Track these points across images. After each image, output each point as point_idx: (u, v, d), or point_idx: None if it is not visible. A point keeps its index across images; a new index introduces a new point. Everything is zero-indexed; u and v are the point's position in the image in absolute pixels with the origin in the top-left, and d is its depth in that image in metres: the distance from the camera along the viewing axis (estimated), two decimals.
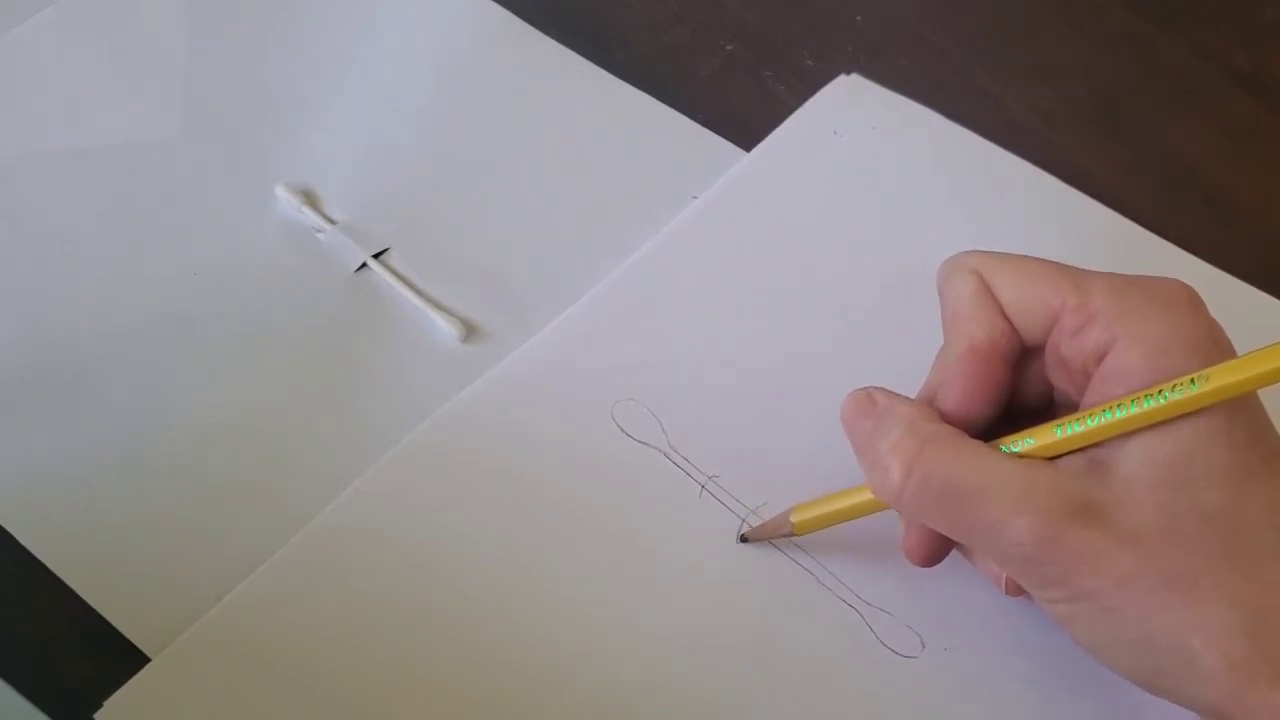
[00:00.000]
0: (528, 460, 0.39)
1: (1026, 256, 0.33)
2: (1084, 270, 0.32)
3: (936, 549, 0.34)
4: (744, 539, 0.37)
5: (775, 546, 0.38)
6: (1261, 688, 0.27)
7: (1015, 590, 0.33)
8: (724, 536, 0.38)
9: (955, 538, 0.32)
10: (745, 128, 0.47)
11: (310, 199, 0.45)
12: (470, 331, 0.42)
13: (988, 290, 0.32)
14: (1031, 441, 0.31)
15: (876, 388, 0.33)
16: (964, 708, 0.35)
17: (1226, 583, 0.28)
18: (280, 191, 0.45)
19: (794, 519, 0.36)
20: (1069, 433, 0.30)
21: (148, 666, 0.35)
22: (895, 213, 0.44)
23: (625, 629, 0.36)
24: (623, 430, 0.39)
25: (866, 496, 0.34)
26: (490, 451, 0.39)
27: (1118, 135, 0.48)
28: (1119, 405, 0.29)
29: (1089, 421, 0.30)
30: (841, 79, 0.48)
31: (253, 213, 0.45)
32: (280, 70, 0.49)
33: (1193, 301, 0.30)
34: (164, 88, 0.48)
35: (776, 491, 0.38)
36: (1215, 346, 0.30)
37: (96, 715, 0.34)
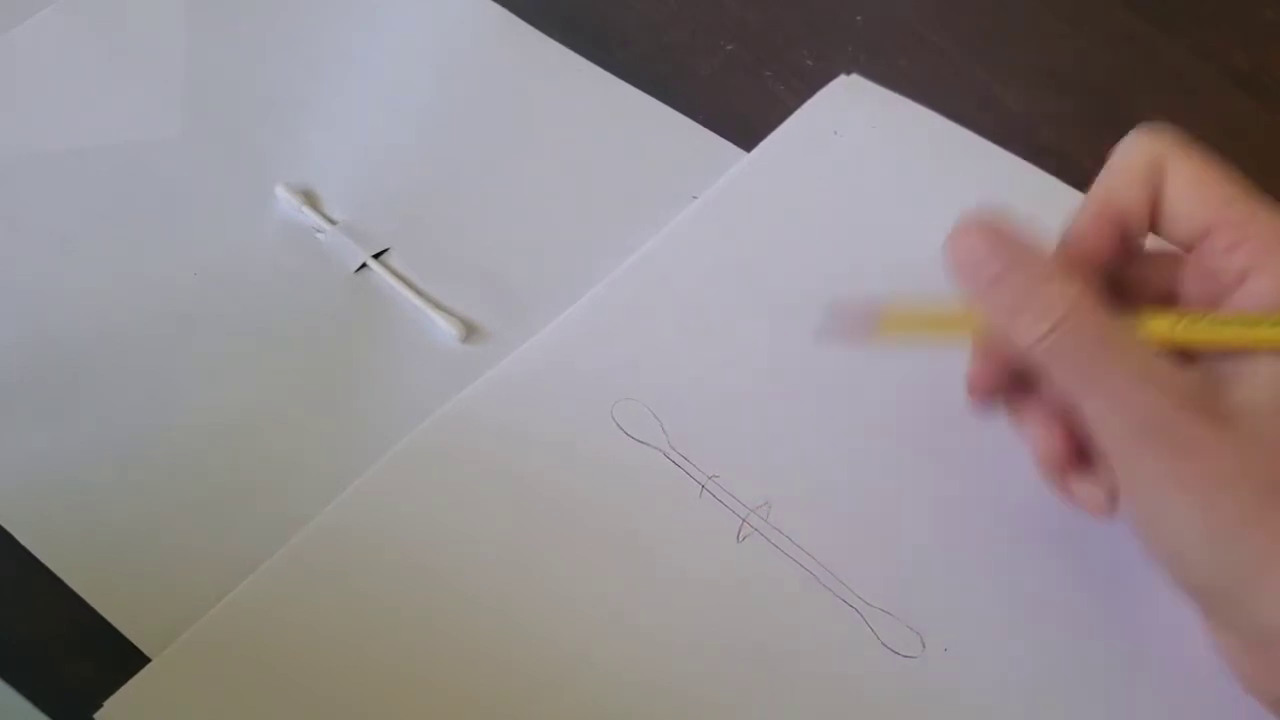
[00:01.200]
0: (527, 460, 0.39)
1: (1210, 160, 0.32)
2: (1255, 197, 0.32)
3: (998, 388, 0.34)
4: (826, 328, 0.35)
5: (775, 546, 0.38)
6: None
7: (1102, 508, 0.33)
8: (724, 536, 0.38)
9: (1070, 396, 0.31)
10: (745, 128, 0.47)
11: (310, 199, 0.45)
12: (470, 331, 0.42)
13: (1156, 173, 0.32)
14: (1172, 323, 0.31)
15: (1002, 223, 0.32)
16: (964, 707, 0.35)
17: None
18: (280, 191, 0.45)
19: (884, 315, 0.34)
20: (1218, 328, 0.31)
21: (148, 667, 0.35)
22: (895, 213, 0.44)
23: (625, 629, 0.36)
24: (623, 430, 0.39)
25: (966, 321, 0.33)
26: (490, 451, 0.39)
27: (1118, 135, 0.48)
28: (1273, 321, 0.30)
29: (1235, 326, 0.30)
30: (841, 79, 0.48)
31: (253, 213, 0.45)
32: (280, 70, 0.49)
33: None
34: (164, 88, 0.48)
35: (776, 491, 0.38)
36: None
37: (96, 715, 0.34)
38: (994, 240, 0.31)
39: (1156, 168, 0.32)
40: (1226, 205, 0.32)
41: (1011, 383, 0.34)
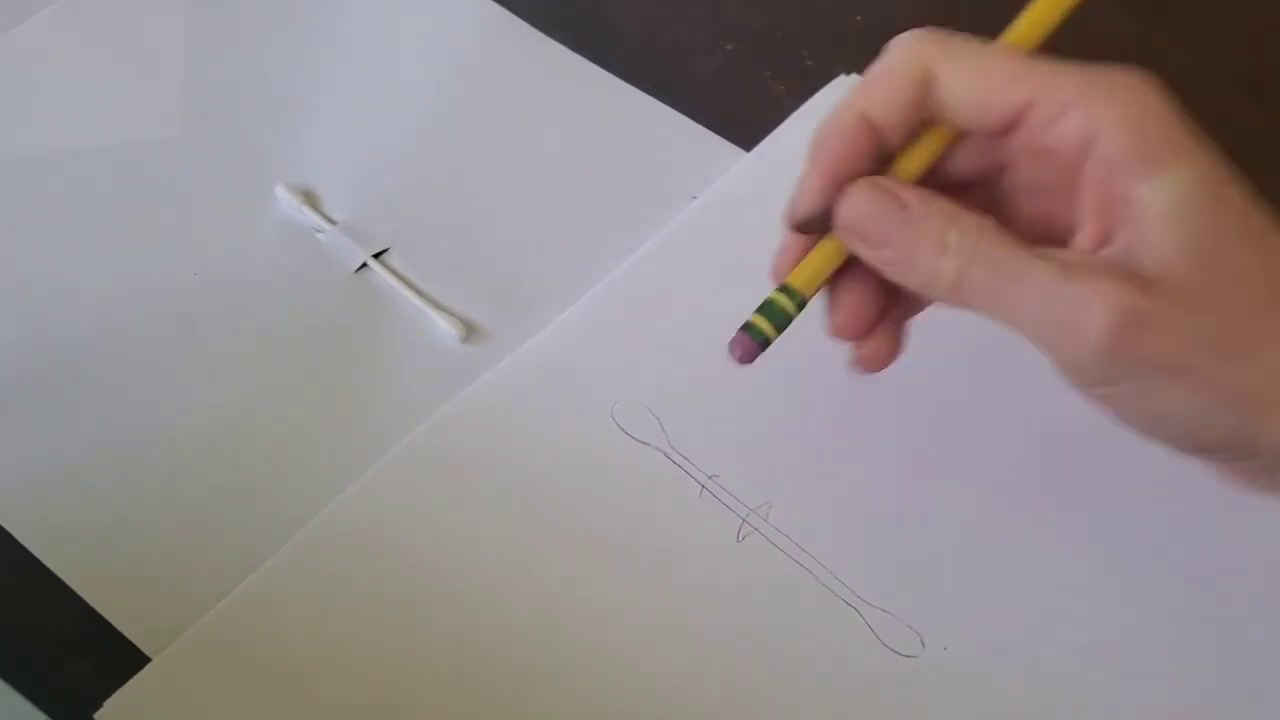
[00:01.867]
0: (528, 460, 0.39)
1: (981, 46, 0.32)
2: (1042, 60, 0.31)
3: (868, 322, 0.34)
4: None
5: (775, 545, 0.38)
6: None
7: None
8: (724, 536, 0.38)
9: (1002, 323, 0.31)
10: (745, 128, 0.47)
11: (310, 199, 0.45)
12: (470, 331, 0.42)
13: (921, 74, 0.31)
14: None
15: (886, 180, 0.32)
16: (964, 707, 0.35)
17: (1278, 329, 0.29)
18: (280, 192, 0.45)
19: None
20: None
21: (148, 666, 0.35)
22: None
23: (625, 628, 0.36)
24: (623, 430, 0.39)
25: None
26: (490, 452, 0.39)
27: None
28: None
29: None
30: (841, 79, 0.48)
31: (253, 213, 0.45)
32: (280, 70, 0.49)
33: (1156, 84, 0.31)
34: (164, 88, 0.48)
35: (776, 491, 0.38)
36: (1184, 121, 0.30)
37: (96, 715, 0.34)
38: (880, 198, 0.31)
39: (921, 69, 0.31)
40: (1018, 89, 0.30)
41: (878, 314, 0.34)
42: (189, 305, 0.42)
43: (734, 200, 0.45)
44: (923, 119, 0.32)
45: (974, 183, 0.33)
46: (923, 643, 0.36)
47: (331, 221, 0.45)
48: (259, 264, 0.44)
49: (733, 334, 0.33)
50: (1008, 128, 0.31)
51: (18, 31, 0.49)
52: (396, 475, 0.38)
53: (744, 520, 0.38)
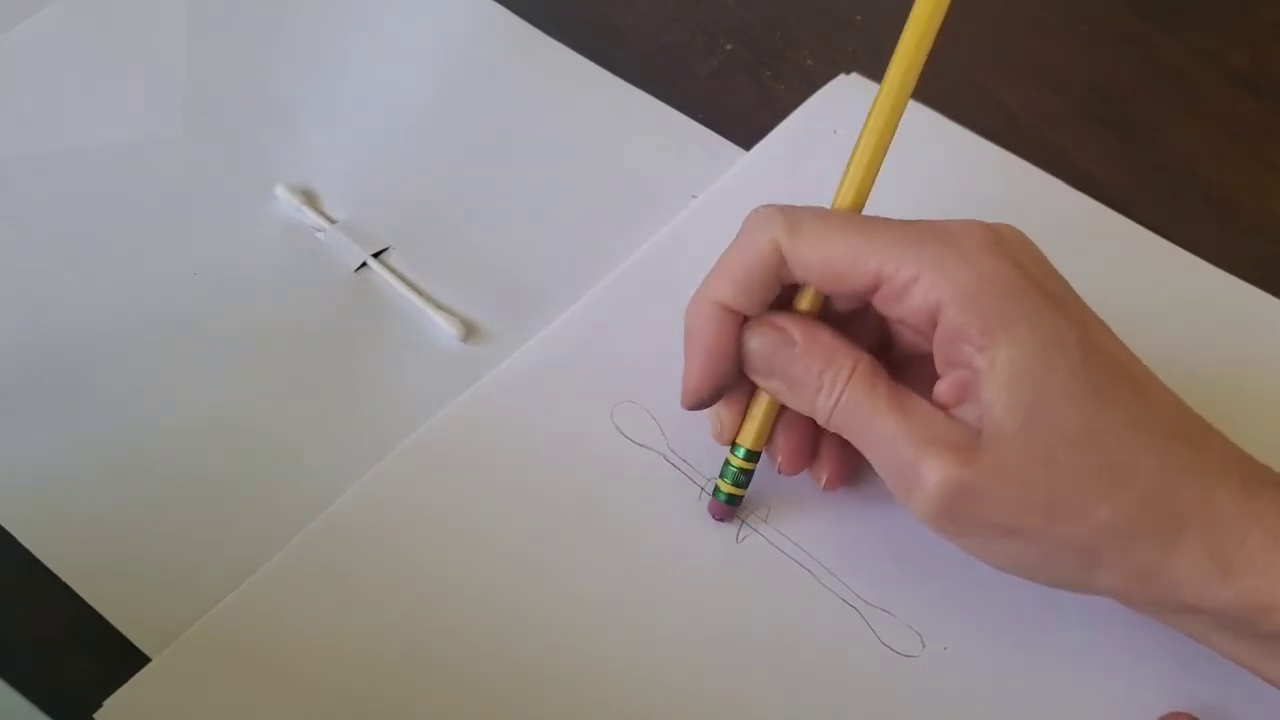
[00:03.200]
0: (528, 462, 0.39)
1: (827, 224, 0.34)
2: (885, 229, 0.33)
3: (808, 451, 0.37)
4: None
5: (775, 546, 0.38)
6: (1156, 564, 0.31)
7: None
8: (724, 537, 0.38)
9: (868, 456, 0.34)
10: (745, 127, 0.47)
11: (310, 198, 0.45)
12: (470, 331, 0.42)
13: (776, 262, 0.34)
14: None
15: (781, 316, 0.35)
16: (964, 706, 0.35)
17: (1103, 489, 0.31)
18: (280, 191, 0.45)
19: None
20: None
21: (147, 666, 0.35)
22: (894, 212, 0.44)
23: (625, 629, 0.36)
24: (622, 433, 0.39)
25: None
26: (490, 453, 0.39)
27: (1118, 135, 0.48)
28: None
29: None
30: (841, 78, 0.48)
31: (252, 212, 0.45)
32: (280, 70, 0.49)
33: (993, 242, 0.33)
34: (164, 87, 0.48)
35: (776, 493, 0.38)
36: (1025, 279, 0.32)
37: (96, 715, 0.34)
38: (770, 335, 0.35)
39: (770, 253, 0.34)
40: (866, 265, 0.33)
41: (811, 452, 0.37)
42: (188, 305, 0.42)
43: (734, 200, 0.44)
44: (789, 284, 0.35)
45: (866, 308, 0.35)
46: (923, 642, 0.36)
47: (331, 221, 0.44)
48: (258, 264, 0.44)
49: None
50: (867, 294, 0.33)
51: (17, 31, 0.49)
52: (396, 476, 0.38)
53: (744, 521, 0.38)
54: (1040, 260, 0.33)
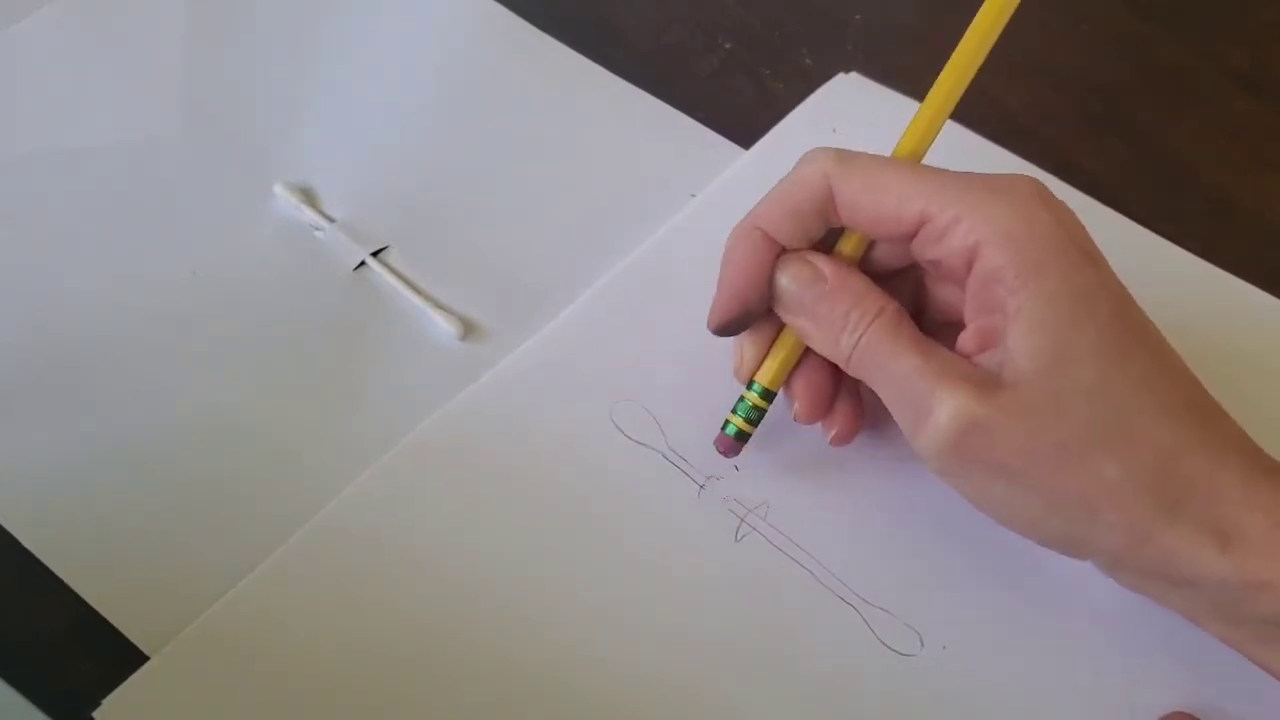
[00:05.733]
0: (527, 461, 0.39)
1: (879, 163, 0.35)
2: (936, 174, 0.34)
3: (826, 401, 0.37)
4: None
5: (774, 544, 0.38)
6: (1156, 528, 0.31)
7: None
8: (723, 536, 0.38)
9: (883, 397, 0.34)
10: (744, 126, 0.47)
11: (309, 197, 0.45)
12: (469, 330, 0.42)
13: (825, 197, 0.34)
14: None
15: (817, 255, 0.35)
16: (963, 705, 0.35)
17: (1113, 445, 0.31)
18: (279, 190, 0.45)
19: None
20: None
21: (146, 665, 0.35)
22: None
23: (623, 627, 0.36)
24: (621, 432, 0.39)
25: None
26: (489, 451, 0.39)
27: (1118, 135, 0.48)
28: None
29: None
30: (840, 77, 0.48)
31: (251, 211, 0.45)
32: (279, 69, 0.49)
33: (1042, 196, 0.33)
34: (163, 86, 0.48)
35: (776, 491, 0.38)
36: (1067, 235, 0.33)
37: (95, 714, 0.34)
38: (804, 271, 0.35)
39: (820, 189, 0.34)
40: (912, 204, 0.33)
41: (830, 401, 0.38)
42: (187, 304, 0.42)
43: (733, 198, 0.44)
44: (835, 226, 0.35)
45: (904, 269, 0.36)
46: (922, 641, 0.36)
47: (330, 219, 0.44)
48: (257, 262, 0.44)
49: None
50: (908, 237, 0.34)
51: (16, 29, 0.49)
52: (395, 474, 0.38)
53: (742, 520, 0.38)
54: (1081, 227, 0.33)
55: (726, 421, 0.38)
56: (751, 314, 0.36)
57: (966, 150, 0.46)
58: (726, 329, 0.36)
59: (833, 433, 0.37)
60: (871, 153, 0.35)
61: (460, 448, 0.39)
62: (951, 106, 0.36)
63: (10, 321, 0.42)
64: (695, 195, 0.45)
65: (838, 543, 0.38)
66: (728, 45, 0.50)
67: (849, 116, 0.47)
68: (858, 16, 0.51)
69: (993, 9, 0.35)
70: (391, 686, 0.35)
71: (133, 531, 0.37)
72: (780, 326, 0.37)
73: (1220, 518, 0.31)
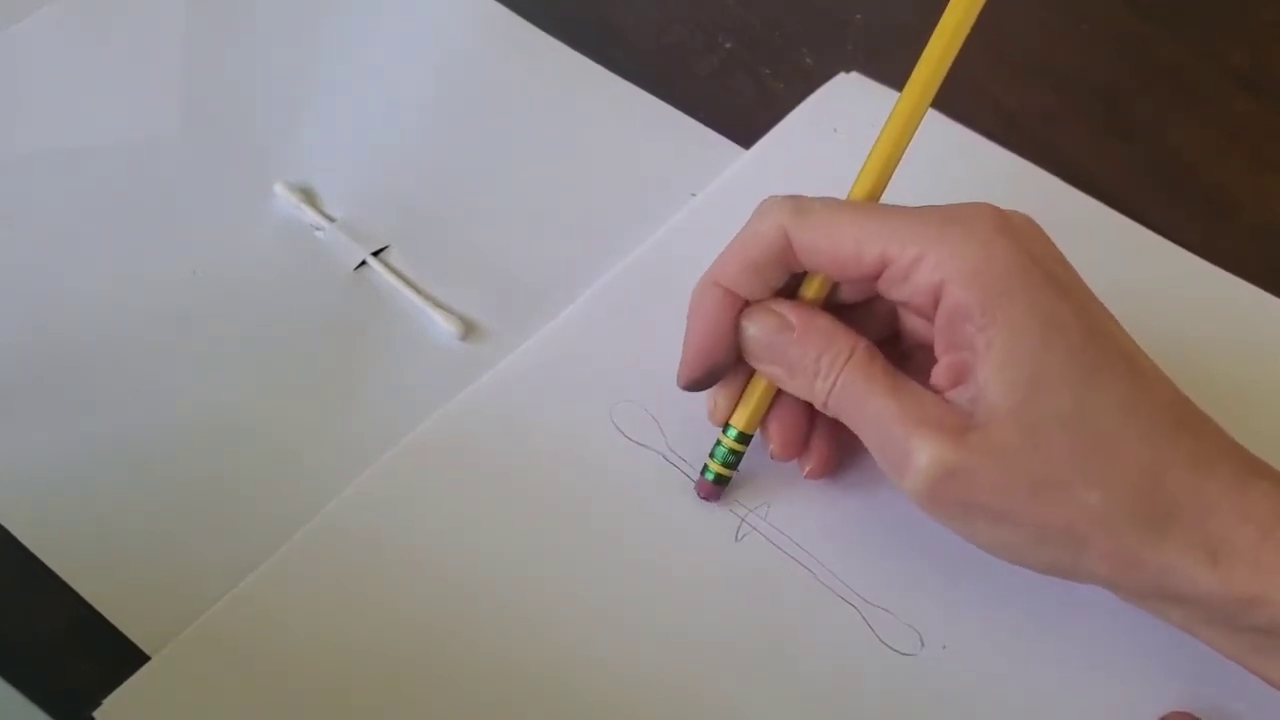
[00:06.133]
0: (527, 461, 0.39)
1: (834, 208, 0.34)
2: (892, 213, 0.34)
3: (801, 438, 0.37)
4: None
5: (774, 544, 0.38)
6: (1146, 550, 0.31)
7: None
8: (723, 536, 0.38)
9: (862, 438, 0.34)
10: (744, 125, 0.47)
11: (309, 197, 0.45)
12: (469, 329, 0.42)
13: (783, 248, 0.34)
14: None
15: (780, 302, 0.35)
16: (963, 705, 0.35)
17: (1094, 472, 0.31)
18: (279, 189, 0.45)
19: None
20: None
21: (146, 665, 0.35)
22: None
23: (623, 627, 0.36)
24: (621, 432, 0.39)
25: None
26: (489, 452, 0.39)
27: (1118, 135, 0.48)
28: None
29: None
30: (841, 77, 0.48)
31: (251, 211, 0.45)
32: (279, 68, 0.49)
33: (1000, 224, 0.33)
34: (163, 86, 0.48)
35: (775, 491, 0.38)
36: (1030, 260, 0.32)
37: (96, 713, 0.34)
38: (769, 321, 0.35)
39: (777, 239, 0.34)
40: (872, 246, 0.33)
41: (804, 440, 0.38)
42: (187, 304, 0.42)
43: (733, 198, 0.44)
44: (797, 272, 0.35)
45: (873, 297, 0.36)
46: (922, 641, 0.36)
47: (330, 219, 0.44)
48: (257, 262, 0.44)
49: None
50: (872, 278, 0.34)
51: (16, 29, 0.49)
52: (395, 474, 0.38)
53: (743, 520, 0.38)
54: (1048, 247, 0.33)
55: (705, 467, 0.38)
56: (719, 369, 0.36)
57: (967, 150, 0.46)
58: (696, 386, 0.37)
59: (808, 468, 0.38)
60: (825, 197, 0.35)
61: (460, 448, 0.39)
62: (906, 142, 0.35)
63: (10, 321, 0.42)
64: (695, 195, 0.45)
65: (838, 542, 0.38)
66: (728, 45, 0.50)
67: (849, 116, 0.47)
68: (858, 16, 0.51)
69: (938, 44, 0.35)
70: (392, 686, 0.35)
71: (133, 531, 0.37)
72: (750, 371, 0.37)
73: (1209, 533, 0.31)
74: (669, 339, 0.41)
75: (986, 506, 0.32)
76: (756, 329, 0.35)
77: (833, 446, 0.37)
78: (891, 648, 0.36)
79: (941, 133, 0.46)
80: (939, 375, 0.33)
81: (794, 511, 0.38)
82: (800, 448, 0.37)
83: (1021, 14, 0.51)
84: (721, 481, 0.38)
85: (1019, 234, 0.33)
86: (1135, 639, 0.36)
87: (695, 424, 0.39)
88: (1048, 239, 0.34)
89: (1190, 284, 0.43)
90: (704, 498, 0.38)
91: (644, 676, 0.35)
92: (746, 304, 0.35)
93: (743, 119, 0.47)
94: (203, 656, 0.35)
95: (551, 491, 0.38)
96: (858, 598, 0.37)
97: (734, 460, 0.37)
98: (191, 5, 0.50)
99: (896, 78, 0.48)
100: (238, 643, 0.35)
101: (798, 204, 0.34)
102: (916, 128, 0.35)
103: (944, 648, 0.36)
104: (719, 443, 0.37)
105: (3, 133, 0.47)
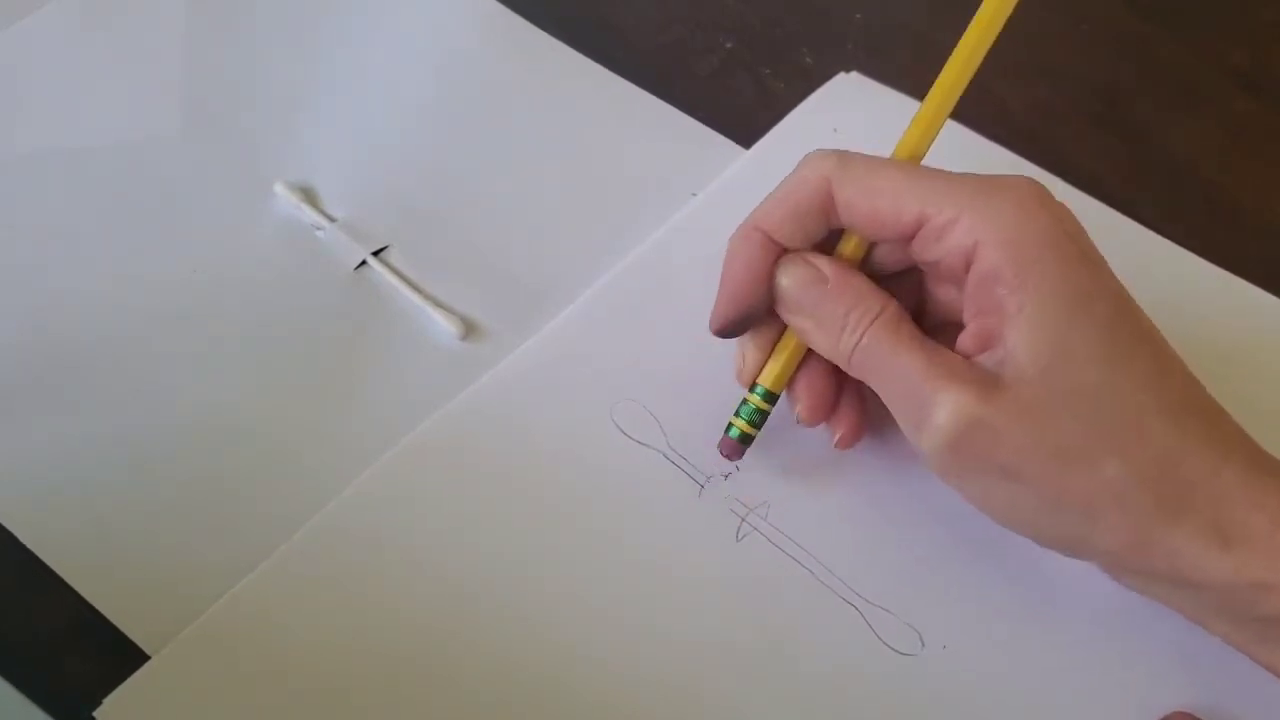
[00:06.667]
0: (527, 460, 0.39)
1: (877, 165, 0.35)
2: (934, 175, 0.34)
3: (829, 403, 0.37)
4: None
5: (774, 544, 0.38)
6: (1157, 529, 0.31)
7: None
8: (723, 536, 0.38)
9: (883, 396, 0.34)
10: (745, 125, 0.47)
11: (309, 196, 0.45)
12: (470, 329, 0.42)
13: (826, 199, 0.34)
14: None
15: (817, 255, 0.35)
16: (963, 705, 0.35)
17: (1115, 445, 0.31)
18: (279, 189, 0.45)
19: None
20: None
21: (147, 664, 0.35)
22: None
23: (625, 629, 0.36)
24: (622, 431, 0.39)
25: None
26: (489, 452, 0.39)
27: (1118, 134, 0.48)
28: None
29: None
30: (841, 76, 0.48)
31: (252, 210, 0.45)
32: (279, 68, 0.49)
33: (1040, 196, 0.33)
34: (163, 85, 0.48)
35: (776, 491, 0.38)
36: (1065, 235, 0.33)
37: (96, 713, 0.34)
38: (805, 271, 0.35)
39: (820, 191, 0.34)
40: (911, 205, 0.33)
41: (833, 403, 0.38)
42: (188, 303, 0.42)
43: (734, 198, 0.44)
44: (836, 227, 0.35)
45: (905, 271, 0.36)
46: (922, 641, 0.36)
47: (330, 219, 0.44)
48: (258, 262, 0.44)
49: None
50: (907, 237, 0.34)
51: (16, 28, 0.49)
52: (396, 474, 0.38)
53: (743, 520, 0.38)
54: (1081, 228, 0.33)
55: (729, 424, 0.38)
56: (753, 315, 0.36)
57: (967, 150, 0.46)
58: (728, 330, 0.36)
59: (838, 435, 0.37)
60: (871, 154, 0.35)
61: (460, 448, 0.39)
62: (950, 106, 0.36)
63: (10, 321, 0.42)
64: (696, 195, 0.45)
65: (839, 542, 0.38)
66: (728, 44, 0.50)
67: (849, 116, 0.47)
68: (858, 16, 0.51)
69: (990, 7, 0.35)
70: (392, 686, 0.35)
71: (133, 531, 0.37)
72: (782, 329, 0.37)
73: (1222, 518, 0.31)
74: (669, 338, 0.41)
75: (1005, 466, 0.32)
76: (790, 279, 0.35)
77: (860, 413, 0.38)
78: (891, 648, 0.36)
79: (941, 133, 0.46)
80: (966, 340, 0.33)
81: (794, 511, 0.38)
82: (828, 411, 0.37)
83: (1021, 14, 0.51)
84: (745, 440, 0.38)
85: (1055, 208, 0.33)
86: (1136, 639, 0.36)
87: (696, 423, 0.39)
88: (1081, 225, 0.34)
89: (1190, 284, 0.43)
90: (726, 455, 0.38)
91: (644, 676, 0.35)
92: (784, 252, 0.36)
93: (743, 119, 0.47)
94: (203, 656, 0.35)
95: (552, 491, 0.38)
96: (858, 598, 0.37)
97: (760, 419, 0.37)
98: (191, 5, 0.50)
99: (897, 78, 0.48)
100: (238, 642, 0.35)
101: (842, 157, 0.34)
102: (963, 88, 0.35)
103: (944, 648, 0.36)
104: (745, 401, 0.37)
105: (3, 133, 0.46)
